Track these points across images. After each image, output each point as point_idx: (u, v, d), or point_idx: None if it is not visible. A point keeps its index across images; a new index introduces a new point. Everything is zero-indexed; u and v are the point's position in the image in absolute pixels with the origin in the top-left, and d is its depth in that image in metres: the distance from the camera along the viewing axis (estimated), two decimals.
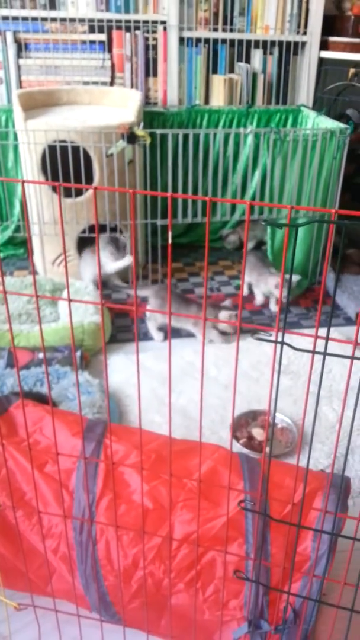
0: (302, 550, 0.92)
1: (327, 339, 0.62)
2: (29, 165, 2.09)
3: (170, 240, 0.61)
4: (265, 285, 2.13)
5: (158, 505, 0.95)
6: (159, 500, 0.95)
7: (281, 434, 1.52)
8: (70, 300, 0.66)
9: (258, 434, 1.49)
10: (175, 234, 2.62)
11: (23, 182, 0.61)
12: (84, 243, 2.22)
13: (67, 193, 2.13)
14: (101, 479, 0.96)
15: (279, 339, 0.62)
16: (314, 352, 0.61)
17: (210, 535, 0.92)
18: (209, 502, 0.94)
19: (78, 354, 1.73)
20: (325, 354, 0.61)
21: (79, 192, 2.12)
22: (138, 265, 2.35)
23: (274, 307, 2.16)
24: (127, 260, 2.10)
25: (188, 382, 1.74)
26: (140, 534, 0.91)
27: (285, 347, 0.62)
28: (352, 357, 0.60)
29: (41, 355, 1.69)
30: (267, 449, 1.40)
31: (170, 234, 0.59)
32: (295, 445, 1.48)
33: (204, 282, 0.88)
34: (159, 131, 2.01)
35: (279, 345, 0.62)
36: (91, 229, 2.16)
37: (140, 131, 1.94)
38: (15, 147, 2.34)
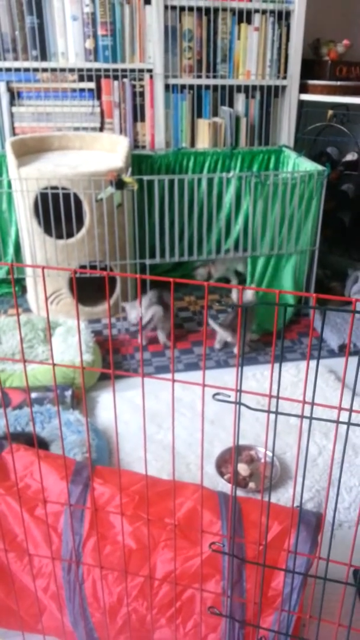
0: (276, 585, 0.99)
1: (277, 397, 0.70)
2: (22, 210, 2.19)
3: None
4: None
5: (141, 545, 1.01)
6: (142, 540, 1.01)
7: (264, 469, 1.59)
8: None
9: (242, 469, 1.56)
10: (165, 269, 2.72)
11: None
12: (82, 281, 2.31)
13: (59, 235, 2.22)
14: (87, 521, 1.03)
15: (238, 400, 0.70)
16: (269, 411, 0.69)
17: (190, 573, 0.99)
18: (189, 541, 1.01)
19: (69, 392, 1.80)
20: (277, 413, 0.68)
21: (70, 234, 2.22)
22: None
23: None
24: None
25: (176, 418, 1.81)
26: (124, 574, 0.97)
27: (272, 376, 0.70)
28: (302, 417, 0.68)
29: (34, 395, 1.76)
30: (235, 489, 1.47)
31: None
32: (277, 479, 1.55)
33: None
34: (146, 177, 2.12)
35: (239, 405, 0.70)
36: (83, 268, 2.25)
37: (127, 178, 2.04)
38: (9, 192, 2.45)
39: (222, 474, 1.56)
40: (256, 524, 1.04)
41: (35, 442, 0.89)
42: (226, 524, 1.02)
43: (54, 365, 0.73)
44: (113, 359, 2.14)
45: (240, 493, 1.49)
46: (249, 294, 2.13)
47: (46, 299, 0.67)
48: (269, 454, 1.59)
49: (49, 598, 1.03)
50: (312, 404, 0.69)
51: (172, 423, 0.80)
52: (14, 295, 0.67)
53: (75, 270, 0.72)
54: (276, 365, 2.13)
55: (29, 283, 2.39)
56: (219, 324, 2.15)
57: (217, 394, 0.70)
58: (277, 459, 1.61)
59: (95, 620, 1.01)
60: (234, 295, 2.28)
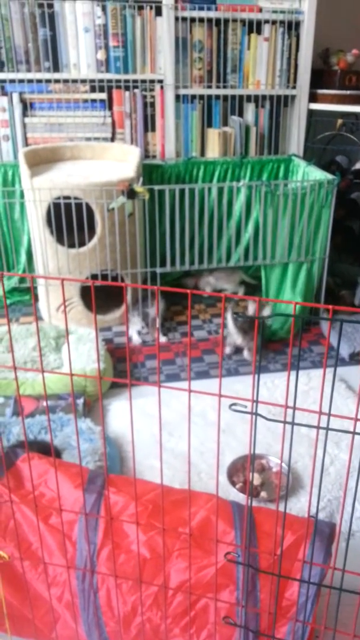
0: (290, 596, 0.99)
1: (294, 408, 0.70)
2: (35, 219, 2.21)
3: None
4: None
5: (155, 554, 1.02)
6: (156, 549, 1.02)
7: (276, 478, 1.59)
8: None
9: (254, 478, 1.56)
10: (175, 277, 2.74)
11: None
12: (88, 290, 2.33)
13: (71, 244, 2.24)
14: (102, 530, 1.03)
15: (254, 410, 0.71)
16: (284, 422, 0.70)
17: (203, 583, 0.99)
18: (202, 551, 1.01)
19: (81, 400, 1.82)
20: (293, 424, 0.69)
21: (81, 243, 2.24)
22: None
23: (248, 356, 2.23)
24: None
25: (187, 426, 1.81)
26: (138, 583, 0.98)
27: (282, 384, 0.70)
28: (318, 428, 0.69)
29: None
30: (250, 499, 1.47)
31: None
32: (290, 489, 1.54)
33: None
34: (157, 187, 2.14)
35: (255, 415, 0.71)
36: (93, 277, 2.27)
37: (139, 187, 2.06)
38: (22, 202, 2.47)
39: (233, 484, 1.56)
40: (269, 534, 1.04)
41: (53, 451, 0.90)
42: (240, 534, 1.03)
43: (71, 375, 0.74)
44: (123, 367, 2.15)
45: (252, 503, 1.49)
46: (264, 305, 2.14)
47: (65, 307, 0.69)
48: (284, 465, 1.59)
49: (63, 607, 1.04)
50: (329, 415, 0.69)
51: (188, 433, 0.81)
52: (34, 306, 0.69)
53: (93, 282, 0.73)
54: (285, 374, 2.13)
55: (41, 291, 2.41)
56: (233, 324, 2.15)
57: (234, 404, 0.70)
58: (290, 469, 1.61)
59: (109, 630, 1.02)
60: (250, 306, 2.29)
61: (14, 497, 1.07)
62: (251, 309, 2.36)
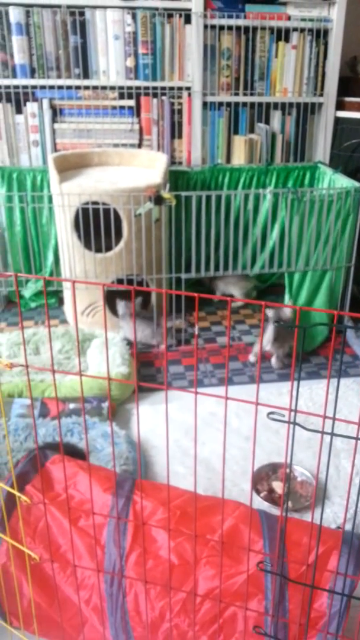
0: (319, 607, 0.98)
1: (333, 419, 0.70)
2: (63, 223, 2.24)
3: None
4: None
5: (183, 561, 1.02)
6: (184, 556, 1.02)
7: (301, 488, 1.58)
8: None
9: (278, 487, 1.55)
10: (192, 282, 2.74)
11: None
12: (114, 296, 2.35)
13: (98, 249, 2.26)
14: (130, 534, 1.04)
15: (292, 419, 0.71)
16: (322, 432, 0.69)
17: (231, 591, 0.99)
18: (231, 559, 1.01)
19: (106, 404, 1.83)
20: (332, 434, 0.69)
21: (108, 248, 2.25)
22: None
23: (275, 364, 2.22)
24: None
25: (211, 433, 1.81)
26: (167, 589, 0.98)
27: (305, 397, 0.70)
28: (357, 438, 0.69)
29: (72, 405, 1.79)
30: (285, 508, 1.46)
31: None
32: (315, 499, 1.53)
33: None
34: (184, 194, 2.15)
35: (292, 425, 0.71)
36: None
37: (166, 194, 2.08)
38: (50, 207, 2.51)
39: (258, 492, 1.55)
40: (298, 544, 1.03)
41: (87, 455, 0.91)
42: (268, 543, 1.02)
43: (109, 379, 0.75)
44: (147, 372, 2.16)
45: (276, 511, 1.48)
46: (288, 311, 2.13)
47: (104, 310, 0.69)
48: (310, 475, 1.58)
49: (90, 610, 1.05)
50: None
51: (223, 441, 0.81)
52: (74, 311, 0.69)
53: (134, 288, 0.74)
54: (309, 383, 2.12)
55: (66, 295, 2.43)
56: (272, 332, 2.12)
57: (271, 412, 0.70)
58: (314, 478, 1.60)
59: (136, 635, 1.02)
60: (269, 312, 2.28)
61: (44, 500, 1.08)
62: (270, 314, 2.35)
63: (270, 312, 2.19)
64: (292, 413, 0.71)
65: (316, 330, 2.36)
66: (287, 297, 2.37)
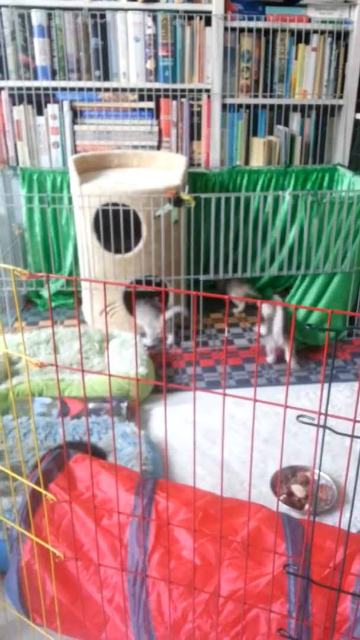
0: (342, 611, 0.98)
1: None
2: (82, 224, 2.26)
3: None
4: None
5: (205, 561, 1.02)
6: (206, 557, 1.02)
7: (320, 492, 1.57)
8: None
9: (297, 490, 1.55)
10: (212, 285, 2.75)
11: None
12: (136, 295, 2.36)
13: (117, 249, 2.27)
14: (153, 534, 1.05)
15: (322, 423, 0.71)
16: (352, 436, 0.69)
17: (254, 593, 0.99)
18: (254, 561, 1.01)
19: (125, 404, 1.84)
20: None
21: (127, 249, 2.27)
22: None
23: (293, 365, 2.21)
24: (173, 310, 2.27)
25: (229, 434, 1.81)
26: (190, 589, 0.98)
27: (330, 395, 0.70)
28: None
29: (91, 405, 1.80)
30: (313, 512, 1.46)
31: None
32: (334, 503, 1.53)
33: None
34: (202, 195, 2.15)
35: (322, 428, 0.71)
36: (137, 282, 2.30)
37: (185, 195, 2.08)
38: (70, 208, 2.53)
39: (276, 494, 1.55)
40: (321, 547, 1.03)
41: (115, 457, 0.91)
42: (291, 546, 1.02)
43: (137, 380, 0.76)
44: (165, 372, 2.16)
45: (296, 515, 1.48)
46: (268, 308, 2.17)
47: (135, 311, 0.70)
48: (329, 478, 1.58)
49: (113, 609, 1.05)
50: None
51: (250, 443, 0.81)
52: (105, 313, 0.70)
53: (164, 290, 0.74)
54: (325, 386, 2.11)
55: (85, 295, 2.44)
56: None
57: (301, 415, 0.70)
58: (334, 482, 1.59)
59: (158, 635, 1.02)
60: (265, 310, 2.27)
61: (68, 498, 1.09)
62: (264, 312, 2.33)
63: (267, 310, 2.21)
64: (322, 417, 0.71)
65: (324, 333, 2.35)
66: (289, 297, 2.37)
